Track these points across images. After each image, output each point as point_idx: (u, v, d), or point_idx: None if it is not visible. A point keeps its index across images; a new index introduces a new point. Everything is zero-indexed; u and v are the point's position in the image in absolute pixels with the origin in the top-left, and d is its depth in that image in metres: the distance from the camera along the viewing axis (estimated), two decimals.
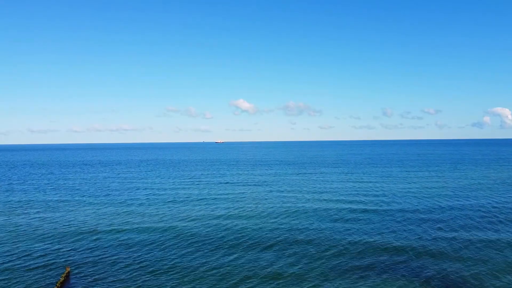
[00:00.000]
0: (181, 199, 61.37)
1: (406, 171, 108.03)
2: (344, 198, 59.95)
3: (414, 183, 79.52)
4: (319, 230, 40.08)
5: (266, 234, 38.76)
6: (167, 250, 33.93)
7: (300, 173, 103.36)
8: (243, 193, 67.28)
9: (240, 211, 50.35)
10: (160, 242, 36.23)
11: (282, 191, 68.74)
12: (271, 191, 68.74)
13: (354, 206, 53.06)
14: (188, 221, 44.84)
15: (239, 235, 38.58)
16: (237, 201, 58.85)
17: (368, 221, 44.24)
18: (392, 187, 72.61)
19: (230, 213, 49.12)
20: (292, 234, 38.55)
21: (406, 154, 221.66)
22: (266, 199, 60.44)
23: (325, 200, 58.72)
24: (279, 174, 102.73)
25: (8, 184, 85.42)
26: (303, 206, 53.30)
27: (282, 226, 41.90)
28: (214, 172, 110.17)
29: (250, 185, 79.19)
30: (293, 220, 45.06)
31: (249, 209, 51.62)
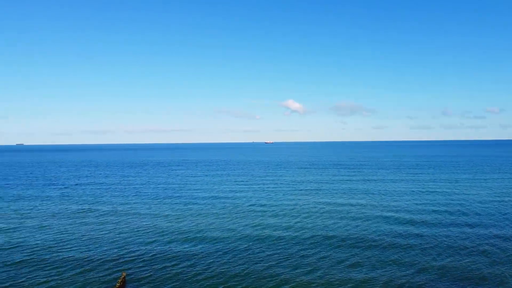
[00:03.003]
0: (244, 204, 59.21)
1: (483, 177, 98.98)
2: (411, 209, 54.69)
3: (492, 189, 71.84)
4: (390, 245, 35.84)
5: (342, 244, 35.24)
6: (231, 260, 31.50)
7: (358, 178, 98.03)
8: (302, 192, 63.99)
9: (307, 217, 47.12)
10: (224, 252, 33.90)
11: (344, 196, 64.55)
12: (329, 194, 64.82)
13: (427, 218, 47.91)
14: (253, 229, 42.30)
15: (314, 249, 35.35)
16: (298, 206, 55.66)
17: (442, 240, 39.20)
18: (472, 197, 65.83)
19: (294, 224, 46.01)
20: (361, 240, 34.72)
21: (473, 156, 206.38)
22: (326, 205, 56.67)
23: (388, 209, 53.89)
24: (336, 176, 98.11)
25: (67, 184, 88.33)
26: (368, 215, 49.00)
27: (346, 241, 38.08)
28: (271, 175, 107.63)
29: (307, 189, 75.66)
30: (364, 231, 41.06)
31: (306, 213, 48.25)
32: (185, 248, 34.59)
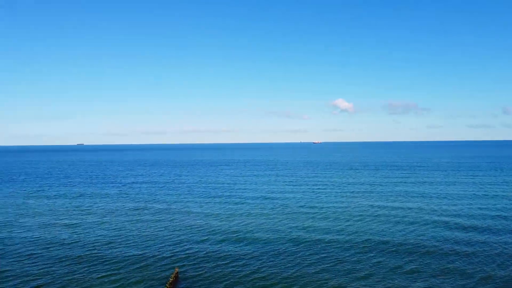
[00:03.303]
0: (294, 205, 58.73)
1: None
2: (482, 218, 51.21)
3: None
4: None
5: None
6: (282, 261, 31.18)
7: (413, 180, 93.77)
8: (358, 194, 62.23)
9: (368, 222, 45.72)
10: (274, 253, 33.65)
11: (401, 201, 61.93)
12: (385, 197, 62.45)
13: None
14: (303, 231, 41.71)
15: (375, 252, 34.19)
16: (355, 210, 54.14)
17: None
18: None
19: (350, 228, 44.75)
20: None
21: None
22: (383, 209, 54.61)
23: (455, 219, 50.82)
24: (389, 178, 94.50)
25: (124, 182, 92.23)
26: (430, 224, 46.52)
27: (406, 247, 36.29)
28: (319, 176, 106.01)
29: (362, 191, 73.50)
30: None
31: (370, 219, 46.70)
32: (236, 247, 34.75)
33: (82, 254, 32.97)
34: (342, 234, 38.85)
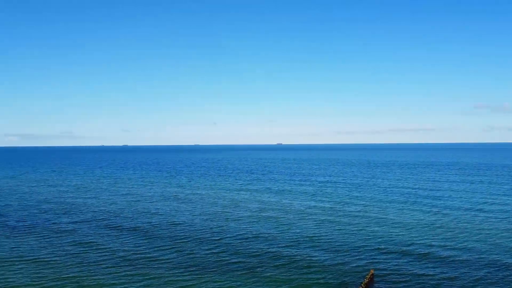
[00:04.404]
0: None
1: None
2: None
3: None
4: None
5: None
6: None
7: None
8: None
9: None
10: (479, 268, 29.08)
11: None
12: None
13: None
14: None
15: None
16: None
17: None
18: None
19: None
20: None
21: None
22: None
23: None
24: None
25: (319, 181, 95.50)
26: None
27: None
28: None
29: None
30: None
31: None
32: (440, 256, 31.50)
33: (280, 250, 35.57)
34: None
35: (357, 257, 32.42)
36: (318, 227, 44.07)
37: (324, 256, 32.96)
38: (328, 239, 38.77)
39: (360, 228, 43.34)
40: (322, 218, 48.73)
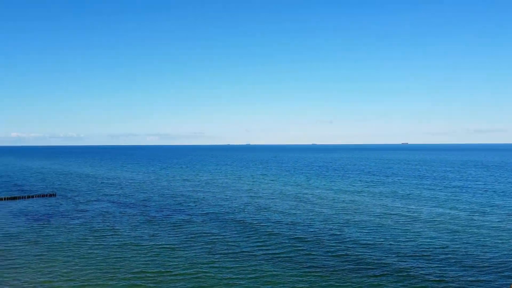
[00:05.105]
0: None
1: None
2: None
3: None
4: None
5: None
6: None
7: None
8: None
9: None
10: None
11: None
12: None
13: None
14: None
15: None
16: None
17: None
18: None
19: None
20: None
21: None
22: None
23: None
24: None
25: (454, 185, 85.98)
26: None
27: None
28: None
29: None
30: None
31: None
32: None
33: (406, 262, 32.79)
34: None
35: (499, 274, 28.56)
36: (451, 238, 39.58)
37: (459, 272, 29.39)
38: (463, 252, 34.54)
39: (503, 240, 37.66)
40: (456, 228, 43.63)
